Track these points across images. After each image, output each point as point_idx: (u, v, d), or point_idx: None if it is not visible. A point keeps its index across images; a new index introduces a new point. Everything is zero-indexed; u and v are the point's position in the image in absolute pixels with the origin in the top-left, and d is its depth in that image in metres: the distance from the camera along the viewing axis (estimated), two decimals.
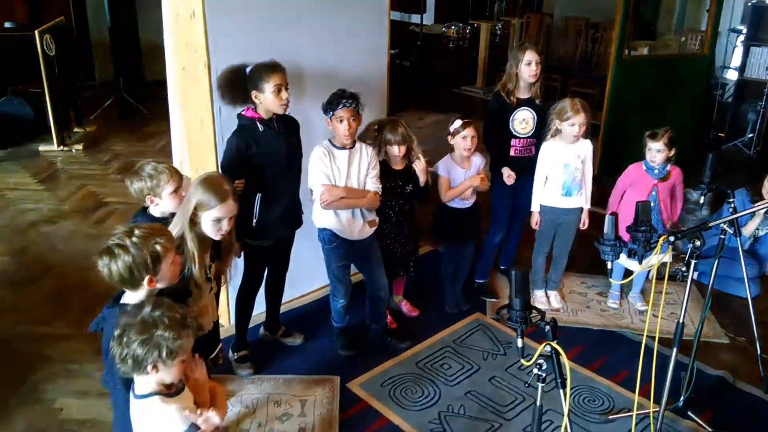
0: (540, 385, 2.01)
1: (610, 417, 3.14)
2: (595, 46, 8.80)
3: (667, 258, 2.45)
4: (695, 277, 2.61)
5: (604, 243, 2.40)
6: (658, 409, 2.72)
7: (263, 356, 3.49)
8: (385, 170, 3.42)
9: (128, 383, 1.92)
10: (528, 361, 1.97)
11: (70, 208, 5.33)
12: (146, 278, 1.99)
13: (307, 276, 3.90)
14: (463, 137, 3.58)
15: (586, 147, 3.76)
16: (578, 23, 8.85)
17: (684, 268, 2.60)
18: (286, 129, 3.13)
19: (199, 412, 1.91)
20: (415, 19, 10.33)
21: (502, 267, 4.41)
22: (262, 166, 3.04)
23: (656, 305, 3.84)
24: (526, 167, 3.82)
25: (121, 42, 7.74)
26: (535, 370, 1.99)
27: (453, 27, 9.84)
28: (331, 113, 3.13)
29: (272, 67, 2.96)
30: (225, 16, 3.12)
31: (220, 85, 3.13)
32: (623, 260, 3.28)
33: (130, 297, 2.03)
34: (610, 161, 5.72)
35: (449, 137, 3.64)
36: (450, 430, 3.05)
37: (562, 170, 3.72)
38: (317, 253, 3.44)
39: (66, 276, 4.25)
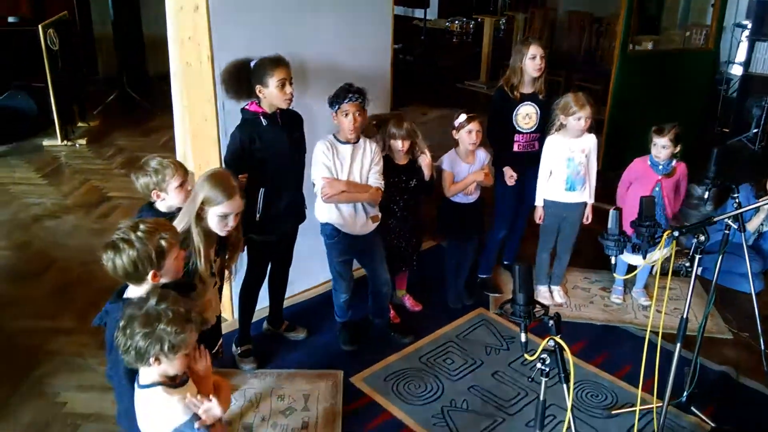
0: (543, 379, 2.01)
1: (613, 412, 3.14)
2: (600, 40, 8.76)
3: (663, 253, 2.44)
4: (699, 272, 2.60)
5: (608, 238, 2.40)
6: (661, 404, 2.71)
7: (267, 351, 3.50)
8: (389, 165, 3.42)
9: (133, 375, 1.93)
10: (531, 355, 1.97)
11: (73, 202, 5.34)
12: (150, 273, 1.99)
13: (310, 271, 3.90)
14: (468, 131, 3.57)
15: (591, 141, 3.75)
16: (582, 18, 8.81)
17: (688, 264, 2.59)
18: (289, 123, 3.12)
19: (198, 396, 1.91)
20: (419, 13, 10.31)
21: (505, 262, 4.41)
22: (266, 160, 3.04)
23: (660, 300, 3.84)
24: (529, 162, 3.81)
25: (125, 36, 7.74)
26: (539, 365, 1.99)
27: (456, 22, 9.81)
28: (337, 107, 3.13)
29: (276, 62, 2.96)
30: (229, 10, 3.12)
31: (224, 79, 3.13)
32: (625, 255, 3.27)
33: (134, 291, 2.03)
34: (614, 156, 5.70)
35: (454, 131, 3.64)
36: (453, 424, 3.05)
37: (566, 165, 3.71)
38: (321, 248, 3.44)
39: (69, 270, 4.26)
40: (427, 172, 3.49)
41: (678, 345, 2.64)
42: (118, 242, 1.97)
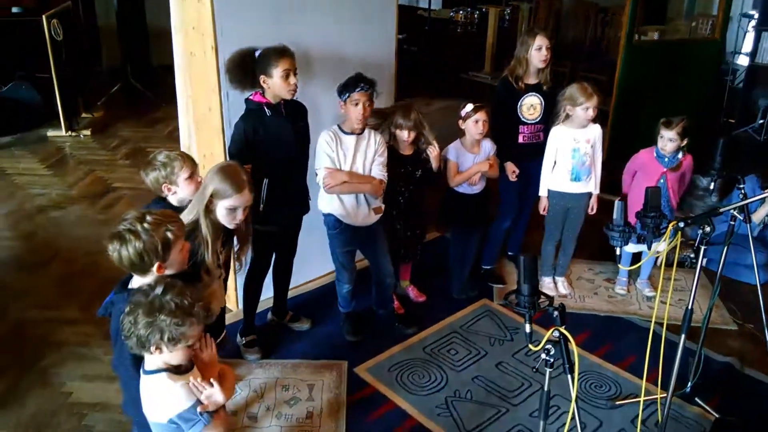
0: (548, 370, 2.01)
1: (617, 403, 3.14)
2: (605, 30, 8.71)
3: (668, 243, 2.43)
4: (704, 263, 2.60)
5: (613, 229, 2.40)
6: (665, 395, 2.71)
7: (271, 341, 3.51)
8: (393, 156, 3.41)
9: (139, 363, 1.94)
10: (536, 346, 1.97)
11: (78, 193, 5.35)
12: (156, 265, 2.00)
13: (314, 261, 3.90)
14: (474, 121, 3.56)
15: (596, 131, 3.73)
16: (588, 7, 8.75)
17: (692, 255, 2.58)
18: (293, 114, 3.12)
19: (199, 379, 1.92)
20: (423, 3, 10.24)
21: (510, 253, 4.41)
22: (270, 151, 3.03)
23: (664, 291, 3.84)
24: (534, 153, 3.80)
25: (128, 27, 7.73)
26: (543, 356, 1.99)
27: (461, 12, 9.73)
28: (347, 95, 3.12)
29: (281, 52, 2.95)
30: (232, 0, 3.11)
31: (229, 69, 3.12)
32: (629, 246, 3.26)
33: (139, 282, 2.04)
34: (620, 147, 5.68)
35: (460, 121, 3.62)
36: (457, 414, 3.06)
37: (571, 155, 3.70)
38: (325, 239, 3.44)
39: (74, 261, 4.27)
40: (435, 164, 3.48)
41: (682, 336, 2.64)
42: (124, 233, 1.98)
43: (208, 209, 2.39)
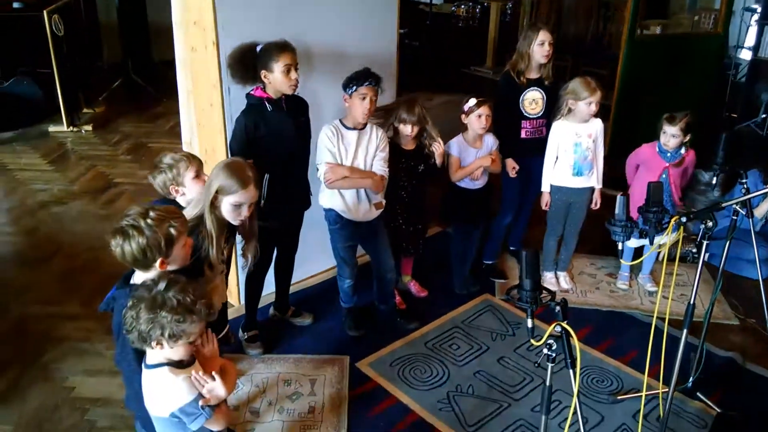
0: (550, 365, 2.01)
1: (619, 397, 3.14)
2: (607, 25, 8.68)
3: (671, 238, 2.43)
4: (706, 258, 2.59)
5: (615, 224, 2.39)
6: (667, 389, 2.71)
7: (273, 336, 3.51)
8: (395, 150, 3.41)
9: (140, 357, 1.94)
10: (538, 341, 1.96)
11: (79, 188, 5.35)
12: (158, 260, 2.00)
13: (317, 256, 3.90)
14: (477, 116, 3.55)
15: (597, 126, 3.73)
16: (590, 2, 8.71)
17: (694, 250, 2.58)
18: (294, 109, 3.11)
19: (201, 372, 1.92)
20: None
21: (511, 248, 4.41)
22: (271, 146, 3.03)
23: (666, 286, 3.83)
24: (537, 148, 3.79)
25: (129, 22, 7.71)
26: (545, 350, 1.98)
27: (462, 6, 9.70)
28: (355, 89, 3.10)
29: (282, 47, 2.94)
30: None
31: (230, 64, 3.11)
32: (631, 241, 3.26)
33: (141, 277, 2.04)
34: (622, 142, 5.66)
35: (463, 116, 3.61)
36: (458, 409, 3.06)
37: (573, 150, 3.69)
38: (326, 234, 3.44)
39: (76, 256, 4.28)
40: (439, 161, 3.48)
41: (684, 331, 2.63)
42: (127, 229, 1.97)
43: (213, 205, 2.39)
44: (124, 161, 5.93)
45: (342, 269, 3.50)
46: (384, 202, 3.40)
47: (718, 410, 3.04)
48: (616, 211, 2.40)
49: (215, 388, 1.94)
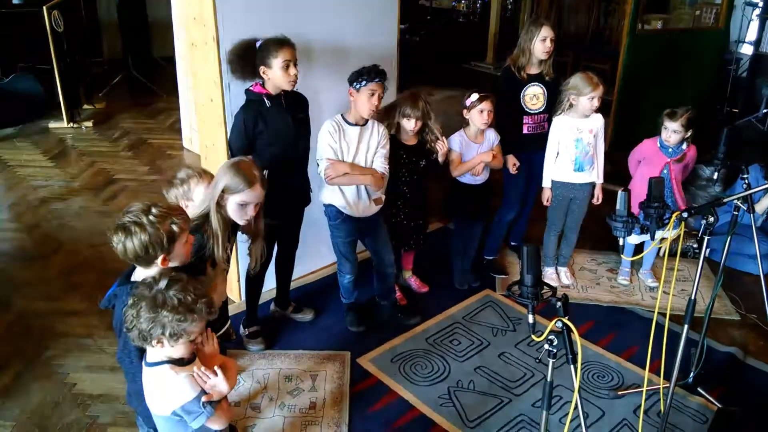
0: (551, 360, 2.01)
1: (620, 393, 3.15)
2: (608, 20, 8.66)
3: (672, 233, 2.43)
4: (707, 253, 2.59)
5: (617, 219, 2.39)
6: (667, 385, 2.72)
7: (274, 332, 3.51)
8: (397, 145, 3.40)
9: (143, 354, 1.95)
10: (539, 336, 1.97)
11: (80, 184, 5.35)
12: (160, 257, 2.00)
13: (317, 252, 3.90)
14: (479, 111, 3.54)
15: (598, 121, 3.72)
16: None
17: (695, 245, 2.58)
18: (294, 105, 3.10)
19: (203, 368, 1.93)
20: None
21: (512, 243, 4.41)
22: (270, 142, 3.03)
23: (667, 282, 3.83)
24: (539, 144, 3.79)
25: (129, 18, 7.70)
26: (546, 346, 1.99)
27: (463, 1, 9.69)
28: (364, 84, 3.08)
29: (281, 43, 2.93)
30: None
31: (230, 60, 3.11)
32: (631, 236, 3.26)
33: (142, 274, 2.04)
34: (623, 137, 5.67)
35: (465, 111, 3.61)
36: (459, 405, 3.07)
37: (574, 145, 3.69)
38: (326, 230, 3.44)
39: (77, 252, 4.28)
40: (441, 159, 3.47)
41: (686, 326, 2.63)
42: (129, 225, 1.97)
43: (219, 204, 2.39)
44: (125, 157, 5.92)
45: (342, 265, 3.50)
46: (383, 197, 3.40)
47: (719, 405, 3.04)
48: (618, 206, 2.40)
49: (218, 383, 1.95)
